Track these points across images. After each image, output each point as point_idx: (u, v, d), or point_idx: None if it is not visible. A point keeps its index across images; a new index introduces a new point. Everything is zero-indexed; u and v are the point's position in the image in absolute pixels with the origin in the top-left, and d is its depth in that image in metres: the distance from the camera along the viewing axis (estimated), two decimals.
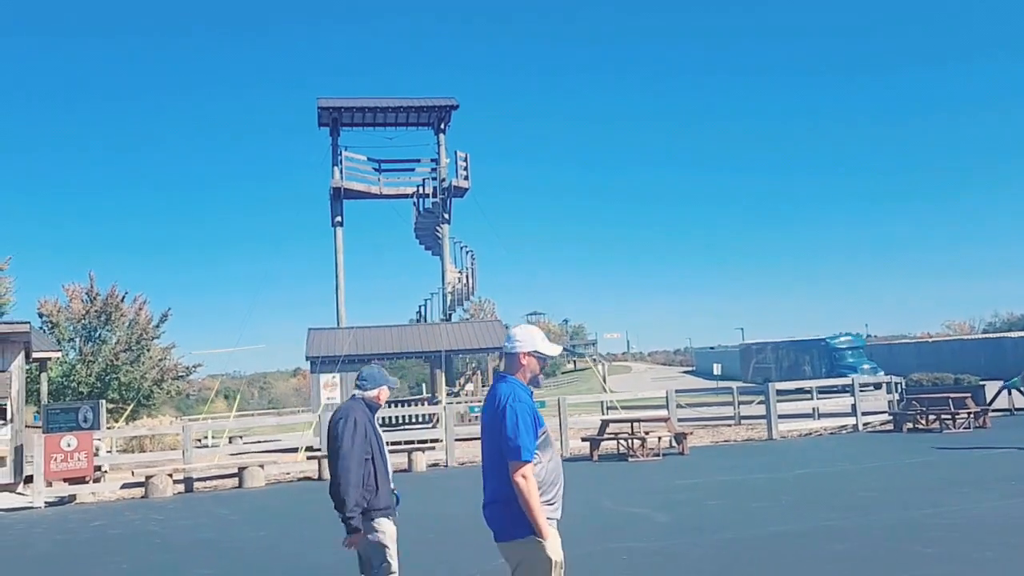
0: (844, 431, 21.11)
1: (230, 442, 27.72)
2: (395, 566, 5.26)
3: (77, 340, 27.34)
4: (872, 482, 12.11)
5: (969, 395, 20.55)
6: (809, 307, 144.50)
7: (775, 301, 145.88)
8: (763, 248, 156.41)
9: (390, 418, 27.99)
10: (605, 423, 18.07)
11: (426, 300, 31.70)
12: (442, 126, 31.80)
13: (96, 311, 27.35)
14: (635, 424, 17.94)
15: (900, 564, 7.12)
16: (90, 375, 26.20)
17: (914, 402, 20.83)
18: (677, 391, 20.78)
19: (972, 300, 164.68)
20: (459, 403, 23.23)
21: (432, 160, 31.70)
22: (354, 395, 5.47)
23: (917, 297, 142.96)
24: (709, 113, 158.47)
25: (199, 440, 32.52)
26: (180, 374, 29.74)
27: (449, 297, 30.92)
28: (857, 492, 11.23)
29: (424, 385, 42.47)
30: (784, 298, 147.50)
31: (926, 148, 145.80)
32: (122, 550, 10.41)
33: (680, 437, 17.36)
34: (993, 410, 21.32)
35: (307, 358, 27.21)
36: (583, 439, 18.40)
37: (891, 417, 21.38)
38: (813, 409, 23.18)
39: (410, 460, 17.65)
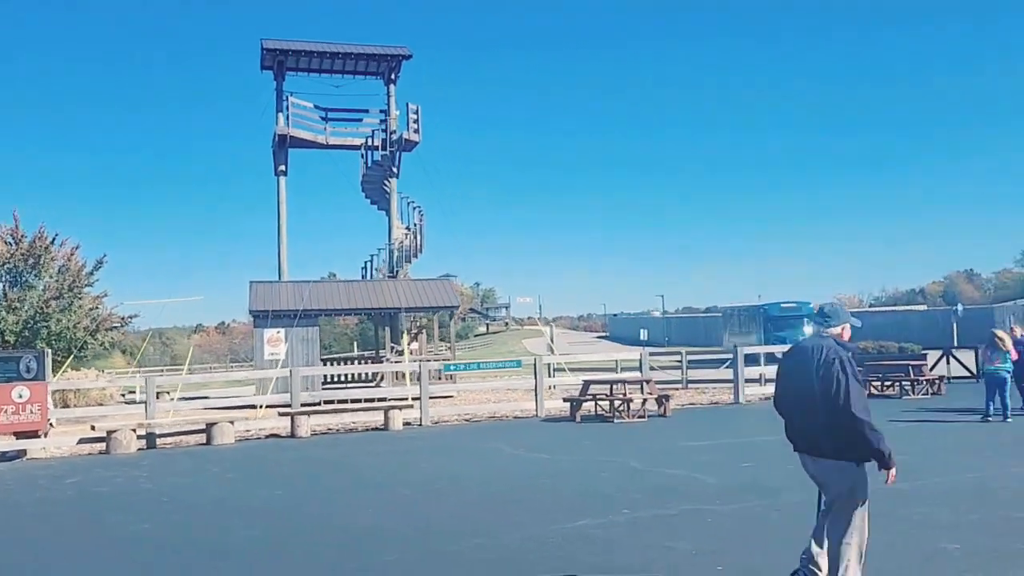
0: None
1: (157, 398, 26.24)
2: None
3: (1, 284, 25.35)
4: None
5: (925, 363, 21.22)
6: (720, 276, 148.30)
7: (691, 269, 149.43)
8: (681, 217, 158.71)
9: (328, 377, 27.04)
10: (587, 384, 17.86)
11: (372, 256, 30.77)
12: (393, 76, 30.65)
13: (23, 254, 25.35)
14: (613, 386, 17.83)
15: None
16: (17, 323, 24.33)
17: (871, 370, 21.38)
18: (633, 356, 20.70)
19: (860, 274, 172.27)
20: (433, 361, 22.54)
21: (381, 111, 30.57)
22: (820, 333, 5.20)
23: (807, 270, 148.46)
24: (638, 80, 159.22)
25: (123, 395, 30.90)
26: (115, 324, 28.01)
27: (396, 254, 30.07)
28: None
29: (356, 343, 41.45)
30: (699, 266, 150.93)
31: (816, 121, 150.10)
32: (129, 509, 9.56)
33: (662, 399, 17.29)
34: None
35: (251, 312, 26.01)
36: (564, 399, 18.15)
37: None
38: (760, 375, 23.45)
39: (387, 418, 17.05)
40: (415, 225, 30.19)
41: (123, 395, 29.92)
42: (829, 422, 4.86)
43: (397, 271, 30.02)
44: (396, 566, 6.69)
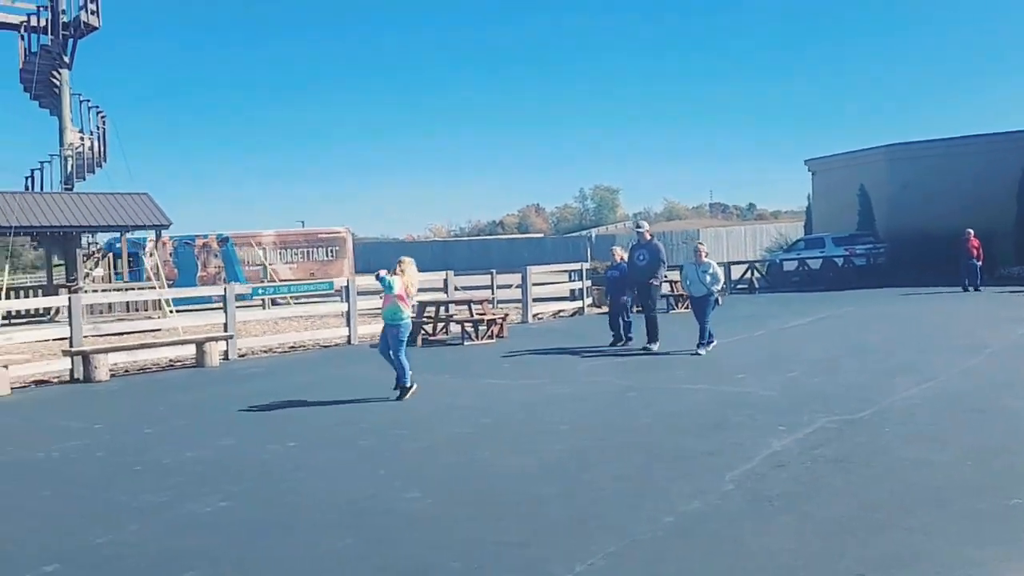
0: (564, 315, 22.03)
1: None
2: None
3: None
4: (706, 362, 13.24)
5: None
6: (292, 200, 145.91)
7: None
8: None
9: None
10: (423, 305, 16.61)
11: (42, 164, 24.93)
12: None
13: None
14: (442, 307, 17.02)
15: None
16: None
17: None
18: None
19: (445, 206, 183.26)
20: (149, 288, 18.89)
21: None
22: None
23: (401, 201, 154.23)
24: None
25: None
26: None
27: (70, 163, 24.85)
28: (730, 366, 12.20)
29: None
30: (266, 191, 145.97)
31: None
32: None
33: (500, 320, 16.76)
34: None
35: None
36: None
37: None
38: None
39: (200, 353, 14.16)
40: (97, 130, 25.23)
41: None
42: None
43: (72, 184, 24.91)
44: None
